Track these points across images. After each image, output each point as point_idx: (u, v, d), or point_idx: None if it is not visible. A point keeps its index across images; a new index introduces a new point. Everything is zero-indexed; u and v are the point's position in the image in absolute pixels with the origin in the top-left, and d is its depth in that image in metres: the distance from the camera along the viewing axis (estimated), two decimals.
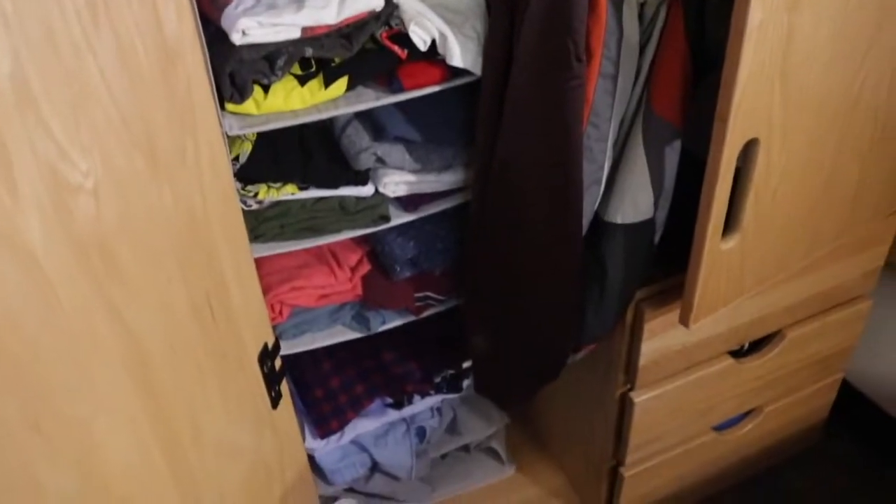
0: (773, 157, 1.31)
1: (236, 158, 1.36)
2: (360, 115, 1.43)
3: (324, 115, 1.32)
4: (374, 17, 1.29)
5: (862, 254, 1.80)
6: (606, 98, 1.32)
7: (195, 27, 0.93)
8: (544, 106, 1.31)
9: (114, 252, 0.89)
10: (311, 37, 1.25)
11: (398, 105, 1.41)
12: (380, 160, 1.42)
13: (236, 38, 1.19)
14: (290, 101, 1.29)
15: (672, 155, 1.36)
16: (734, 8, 1.15)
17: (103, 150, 0.85)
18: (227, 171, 1.05)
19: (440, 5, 1.34)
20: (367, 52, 1.33)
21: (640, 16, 1.29)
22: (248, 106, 1.27)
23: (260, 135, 1.39)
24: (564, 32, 1.25)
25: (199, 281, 1.06)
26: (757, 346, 1.82)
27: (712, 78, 1.20)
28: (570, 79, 1.27)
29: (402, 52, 1.33)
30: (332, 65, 1.32)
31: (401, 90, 1.35)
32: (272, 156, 1.39)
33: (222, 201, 1.06)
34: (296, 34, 1.24)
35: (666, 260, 1.47)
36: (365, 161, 1.40)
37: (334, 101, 1.33)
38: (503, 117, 1.34)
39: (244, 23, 1.19)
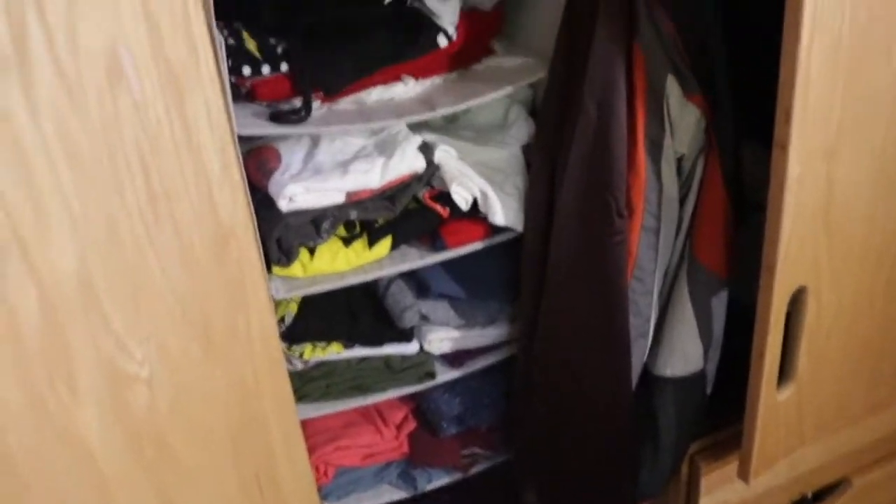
0: (823, 302, 1.28)
1: (282, 319, 1.36)
2: (403, 273, 1.44)
3: (369, 276, 1.32)
4: (416, 179, 1.32)
5: None
6: (650, 251, 1.32)
7: (247, 204, 0.95)
8: (588, 261, 1.30)
9: (167, 439, 0.88)
10: (356, 201, 1.28)
11: (443, 262, 1.42)
12: (424, 317, 1.41)
13: (283, 205, 1.22)
14: (336, 263, 1.31)
15: (719, 305, 1.34)
16: (773, 162, 1.16)
17: (159, 339, 0.85)
18: (274, 337, 1.05)
19: (480, 163, 1.37)
20: (409, 211, 1.35)
21: (679, 169, 1.30)
22: (295, 269, 1.28)
23: (305, 296, 1.39)
24: (605, 189, 1.26)
25: (249, 458, 1.04)
26: (822, 495, 1.73)
27: (754, 220, 1.20)
28: (612, 234, 1.27)
29: (444, 212, 1.34)
30: (376, 225, 1.34)
31: (444, 248, 1.36)
32: (317, 315, 1.39)
33: (270, 370, 1.05)
34: (340, 199, 1.26)
35: (721, 408, 1.43)
36: (409, 319, 1.39)
37: (379, 262, 1.34)
38: (546, 272, 1.34)
39: (291, 189, 1.22)
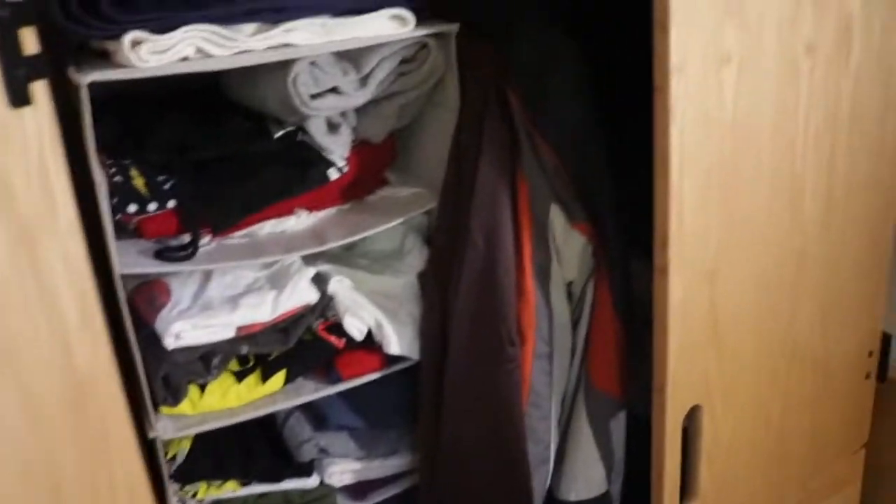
0: (719, 419, 1.28)
1: (173, 458, 1.31)
2: (301, 406, 1.41)
3: (261, 412, 1.29)
4: (309, 311, 1.30)
5: (836, 496, 1.73)
6: (544, 377, 1.31)
7: (109, 353, 0.91)
8: (483, 389, 1.29)
9: None
10: (247, 335, 1.25)
11: (340, 393, 1.39)
12: (323, 450, 1.37)
13: (170, 343, 1.19)
14: (227, 399, 1.27)
15: (618, 427, 1.34)
16: (655, 286, 1.17)
17: None
18: (144, 490, 0.99)
19: (376, 292, 1.36)
20: (304, 343, 1.32)
21: (569, 294, 1.31)
22: (184, 407, 1.24)
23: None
24: (495, 318, 1.26)
25: None
26: None
27: (647, 335, 1.20)
28: (504, 362, 1.27)
29: (339, 343, 1.32)
30: (270, 358, 1.31)
31: (339, 380, 1.34)
32: (210, 452, 1.34)
33: None
34: (230, 333, 1.23)
35: None
36: (307, 452, 1.35)
37: (272, 396, 1.31)
38: (443, 400, 1.32)
39: (178, 327, 1.19)
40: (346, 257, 1.44)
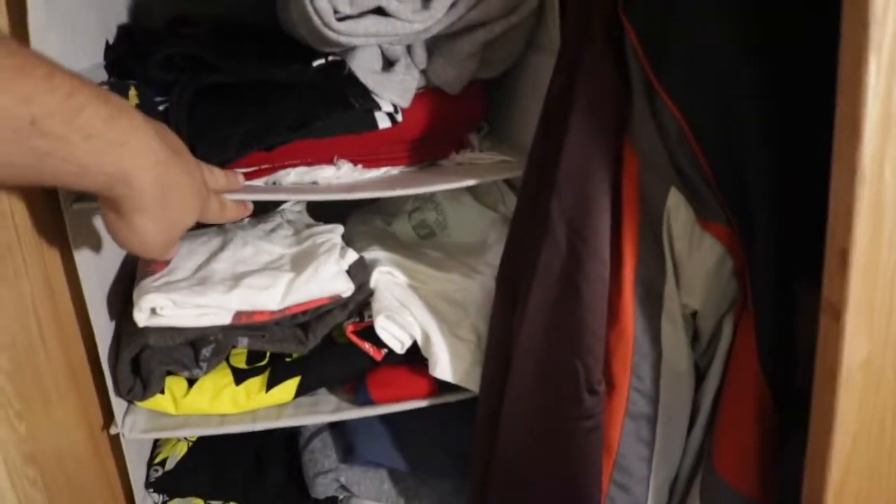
0: None
1: (161, 463, 0.99)
2: (334, 425, 1.03)
3: (259, 426, 0.92)
4: (339, 305, 0.92)
5: None
6: (640, 449, 0.82)
7: None
8: (545, 451, 0.83)
9: None
10: (248, 324, 0.90)
11: (383, 417, 0.99)
12: (345, 488, 0.98)
13: (140, 319, 0.86)
14: (218, 403, 0.92)
15: None
16: (820, 337, 0.66)
17: None
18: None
19: (438, 294, 0.95)
20: (334, 346, 0.95)
21: (696, 332, 0.82)
22: (163, 402, 0.91)
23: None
24: (572, 351, 0.79)
25: None
26: None
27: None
28: (580, 417, 0.80)
29: (376, 353, 0.92)
30: (287, 360, 0.95)
31: (368, 403, 0.94)
32: (212, 464, 1.00)
33: None
34: (225, 319, 0.89)
35: None
36: (323, 488, 0.97)
37: (279, 409, 0.94)
38: (493, 458, 0.87)
39: (153, 300, 0.86)
40: (416, 247, 1.04)
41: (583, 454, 0.80)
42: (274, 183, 0.92)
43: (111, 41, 0.98)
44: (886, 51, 0.58)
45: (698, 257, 0.77)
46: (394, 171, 0.95)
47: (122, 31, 1.02)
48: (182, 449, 1.01)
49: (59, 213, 0.81)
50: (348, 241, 0.98)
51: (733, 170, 0.74)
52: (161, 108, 0.86)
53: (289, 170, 0.90)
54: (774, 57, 0.73)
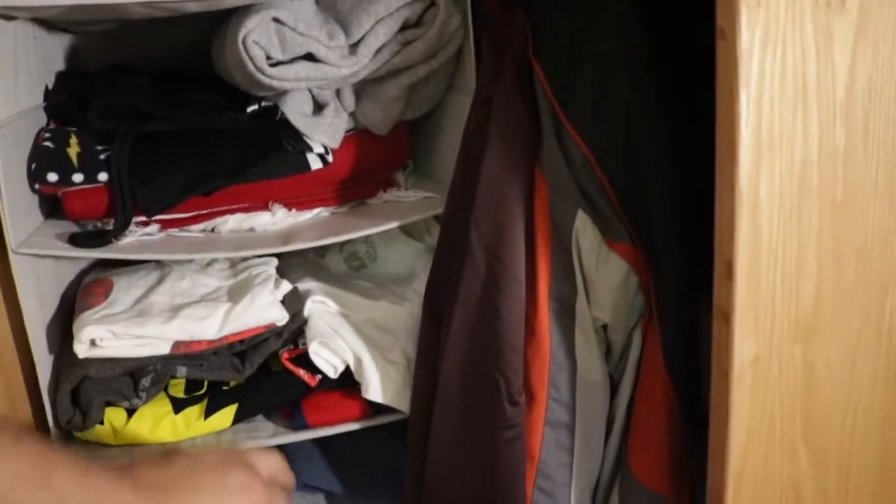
0: None
1: None
2: None
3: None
4: (274, 333, 0.96)
5: None
6: (561, 455, 0.87)
7: None
8: (472, 462, 0.87)
9: None
10: (187, 353, 0.93)
11: (318, 442, 1.03)
12: None
13: (80, 350, 0.88)
14: (158, 432, 0.94)
15: None
16: (714, 341, 0.74)
17: None
18: None
19: (368, 321, 1.00)
20: (268, 375, 0.98)
21: (609, 344, 0.89)
22: (103, 432, 0.93)
23: None
24: (492, 365, 0.85)
25: None
26: None
27: None
28: (502, 427, 0.85)
29: (311, 379, 0.96)
30: (224, 388, 0.98)
31: (304, 427, 0.97)
32: None
33: None
34: (164, 349, 0.92)
35: None
36: None
37: (217, 435, 0.97)
38: (424, 473, 0.92)
39: (92, 331, 0.88)
40: (347, 278, 1.09)
41: (507, 462, 0.85)
42: (213, 230, 0.97)
43: (50, 85, 1.02)
44: (754, 86, 0.67)
45: (605, 274, 0.84)
46: (325, 212, 1.01)
47: (61, 76, 1.06)
48: None
49: (3, 254, 0.85)
50: (282, 273, 1.02)
51: (635, 195, 0.81)
52: (102, 156, 0.90)
53: (227, 217, 0.95)
54: (669, 92, 0.82)
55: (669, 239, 0.82)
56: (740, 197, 0.69)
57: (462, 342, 0.86)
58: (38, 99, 0.98)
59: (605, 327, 0.86)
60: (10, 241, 0.84)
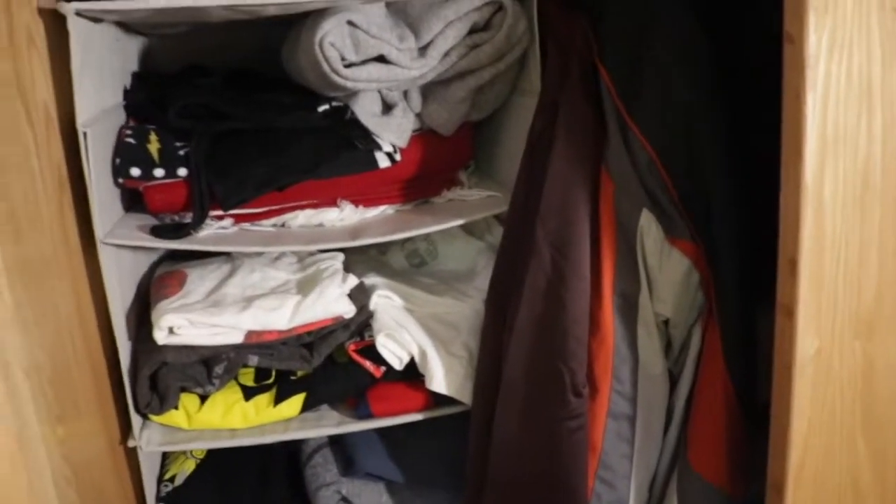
0: None
1: (171, 479, 1.05)
2: (335, 441, 1.10)
3: (268, 439, 0.99)
4: (342, 326, 1.00)
5: None
6: (622, 446, 0.91)
7: (13, 306, 0.67)
8: (535, 451, 0.91)
9: None
10: (259, 343, 0.98)
11: (380, 432, 1.07)
12: (346, 500, 1.04)
13: (159, 337, 0.93)
14: (230, 418, 0.99)
15: None
16: (776, 335, 0.77)
17: None
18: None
19: (431, 316, 1.04)
20: (334, 365, 1.02)
21: (669, 340, 0.92)
22: (177, 417, 0.98)
23: (211, 452, 1.08)
24: (557, 357, 0.89)
25: None
26: None
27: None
28: (566, 418, 0.89)
29: (375, 370, 1.01)
30: (293, 378, 1.03)
31: (368, 416, 1.01)
32: (219, 481, 1.06)
33: None
34: (238, 338, 0.96)
35: None
36: (325, 500, 1.02)
37: (285, 423, 1.01)
38: (488, 462, 0.95)
39: (171, 319, 0.93)
40: (409, 275, 1.13)
41: (570, 452, 0.89)
42: (283, 225, 1.01)
43: (128, 85, 1.08)
44: (820, 88, 0.70)
45: (668, 270, 0.87)
46: (390, 209, 1.05)
47: (136, 76, 1.11)
48: (190, 466, 1.07)
49: (93, 247, 0.90)
50: (346, 269, 1.06)
51: (697, 195, 0.85)
52: (181, 152, 0.95)
53: (297, 212, 1.00)
54: (731, 96, 0.85)
55: (729, 237, 0.86)
56: (805, 195, 0.72)
57: (528, 335, 0.90)
58: (118, 98, 1.04)
59: (665, 323, 0.90)
60: (98, 231, 0.89)
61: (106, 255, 0.91)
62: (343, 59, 0.91)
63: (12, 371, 0.73)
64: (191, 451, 1.07)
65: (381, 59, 0.94)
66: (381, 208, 1.04)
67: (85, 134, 0.86)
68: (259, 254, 1.08)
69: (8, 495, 0.70)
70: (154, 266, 1.12)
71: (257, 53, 1.14)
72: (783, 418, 0.77)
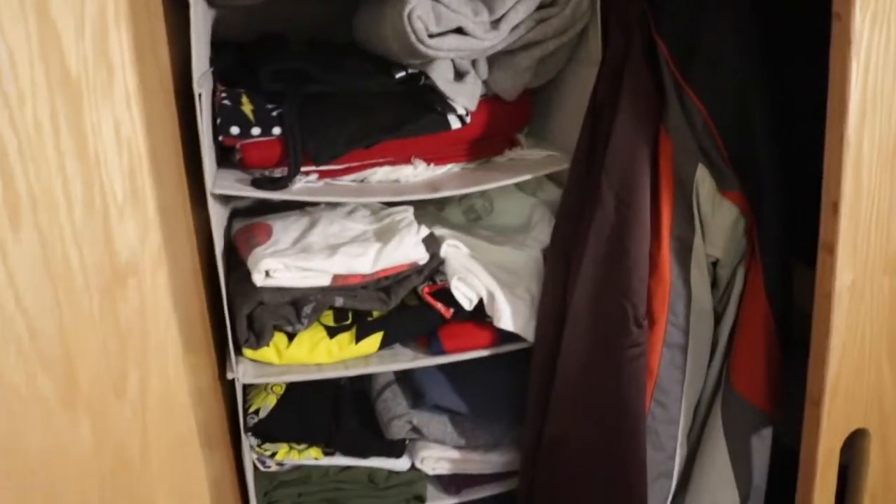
0: (891, 450, 0.97)
1: (256, 412, 1.16)
2: (401, 378, 1.22)
3: (351, 372, 1.12)
4: (416, 271, 1.13)
5: None
6: (675, 373, 1.05)
7: (161, 246, 0.78)
8: (599, 377, 1.05)
9: None
10: (343, 286, 1.09)
11: (444, 369, 1.19)
12: (416, 430, 1.17)
13: (258, 279, 1.05)
14: (316, 354, 1.11)
15: (761, 446, 1.04)
16: (818, 269, 0.90)
17: None
18: (186, 413, 0.83)
19: (493, 263, 1.16)
20: (407, 307, 1.15)
21: (715, 278, 1.06)
22: (268, 354, 1.10)
23: (289, 387, 1.19)
24: (621, 293, 1.02)
25: None
26: None
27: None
28: (628, 346, 1.03)
29: (446, 311, 1.13)
30: (369, 318, 1.14)
31: (441, 353, 1.14)
32: (298, 414, 1.18)
33: (172, 448, 0.83)
34: (325, 281, 1.08)
35: None
36: (397, 430, 1.16)
37: (365, 359, 1.13)
38: (553, 388, 1.09)
39: (268, 263, 1.05)
40: (469, 228, 1.26)
41: (631, 376, 1.03)
42: (363, 181, 1.13)
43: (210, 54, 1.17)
44: (863, 57, 0.83)
45: (719, 217, 1.01)
46: (456, 167, 1.18)
47: (216, 46, 1.21)
48: (272, 401, 1.18)
49: (202, 197, 1.00)
50: None
51: (745, 151, 0.99)
52: (274, 113, 1.06)
53: (375, 169, 1.12)
54: (777, 63, 0.99)
55: (772, 190, 1.00)
56: (847, 147, 0.86)
57: (593, 275, 1.03)
58: (206, 65, 1.13)
59: (714, 264, 1.03)
60: (209, 183, 1.00)
61: (213, 205, 1.02)
62: (427, 30, 1.03)
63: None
64: (271, 388, 1.19)
65: (458, 30, 1.05)
66: (449, 166, 1.16)
67: (200, 95, 0.97)
68: (335, 207, 1.19)
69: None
70: (230, 219, 1.22)
71: (318, 24, 1.24)
72: (822, 340, 0.91)
